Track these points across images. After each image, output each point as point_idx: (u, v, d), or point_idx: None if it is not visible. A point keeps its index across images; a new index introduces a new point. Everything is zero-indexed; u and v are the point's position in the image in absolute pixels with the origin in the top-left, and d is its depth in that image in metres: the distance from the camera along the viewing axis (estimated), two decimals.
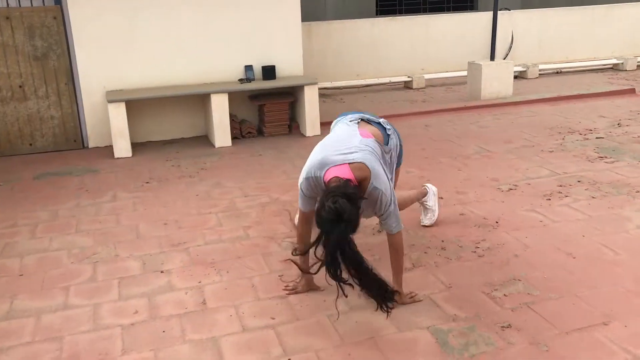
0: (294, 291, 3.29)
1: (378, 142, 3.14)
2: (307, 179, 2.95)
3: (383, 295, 2.76)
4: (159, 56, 6.42)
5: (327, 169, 2.84)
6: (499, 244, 3.80)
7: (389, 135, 3.33)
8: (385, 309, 2.81)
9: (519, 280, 3.33)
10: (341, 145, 2.95)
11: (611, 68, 10.52)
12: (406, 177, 5.10)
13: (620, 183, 4.76)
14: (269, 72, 6.67)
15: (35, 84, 6.15)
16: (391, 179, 3.14)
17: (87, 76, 6.23)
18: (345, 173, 2.80)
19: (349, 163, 2.83)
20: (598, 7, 10.87)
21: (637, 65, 10.42)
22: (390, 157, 3.32)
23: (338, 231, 2.58)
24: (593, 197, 4.49)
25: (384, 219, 2.99)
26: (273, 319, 3.04)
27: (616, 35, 10.87)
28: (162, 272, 3.59)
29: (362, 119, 3.33)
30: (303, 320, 3.02)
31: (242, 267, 3.62)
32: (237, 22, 6.62)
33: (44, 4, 6.14)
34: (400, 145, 3.49)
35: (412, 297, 3.18)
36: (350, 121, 3.29)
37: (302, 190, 3.02)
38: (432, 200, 4.08)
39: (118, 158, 6.03)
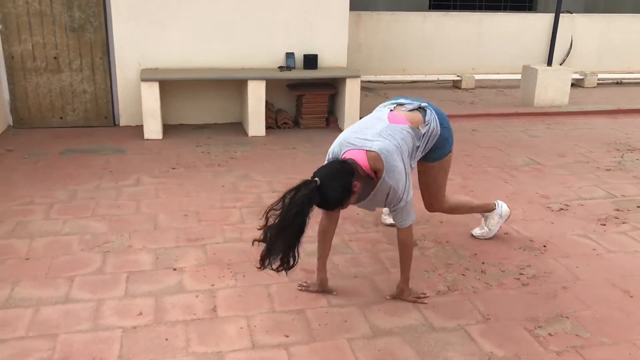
0: (307, 289, 3.14)
1: (412, 129, 2.97)
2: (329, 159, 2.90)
3: (280, 261, 2.66)
4: (198, 36, 6.16)
5: (346, 150, 2.81)
6: (546, 272, 3.41)
7: (426, 119, 3.10)
8: (269, 267, 2.69)
9: (566, 317, 2.95)
10: (366, 130, 2.90)
11: None
12: (448, 185, 4.71)
13: None
14: (310, 61, 6.35)
15: (70, 56, 5.97)
16: (413, 167, 3.11)
17: (122, 52, 6.01)
18: (362, 158, 2.76)
19: (367, 150, 2.77)
20: None
21: None
22: (426, 142, 3.10)
23: (307, 190, 2.57)
24: None
25: (393, 213, 2.93)
26: (287, 336, 2.74)
27: None
28: (174, 269, 3.33)
29: (399, 104, 3.14)
30: (320, 342, 2.71)
31: (260, 272, 3.32)
32: (281, 7, 6.30)
33: None
34: (446, 130, 3.20)
35: (417, 296, 3.04)
36: (386, 105, 3.16)
37: None
38: (495, 220, 3.77)
39: (148, 139, 5.81)
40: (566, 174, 5.10)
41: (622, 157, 5.64)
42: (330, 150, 2.92)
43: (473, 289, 3.20)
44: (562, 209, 4.33)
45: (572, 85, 8.97)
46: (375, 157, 2.76)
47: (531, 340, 2.76)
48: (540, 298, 3.13)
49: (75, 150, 5.43)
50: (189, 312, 2.92)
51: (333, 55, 6.56)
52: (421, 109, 3.11)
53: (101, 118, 6.21)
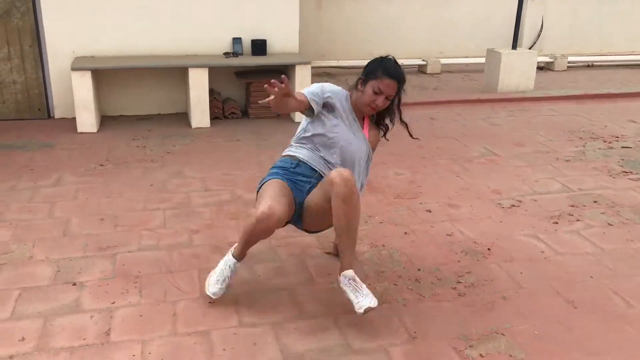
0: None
1: None
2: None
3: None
4: (139, 22, 5.75)
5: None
6: (487, 279, 3.12)
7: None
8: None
9: (502, 334, 2.66)
10: None
11: None
12: (395, 180, 4.41)
13: None
14: (259, 46, 5.98)
15: None
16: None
17: (54, 39, 5.59)
18: None
19: None
20: None
21: None
22: None
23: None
24: (609, 224, 3.77)
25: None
26: None
27: None
28: (74, 284, 2.99)
29: None
30: None
31: (170, 286, 2.99)
32: None
33: None
34: None
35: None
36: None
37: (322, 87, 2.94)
38: None
39: (81, 133, 5.42)
40: (522, 166, 4.81)
41: (584, 146, 5.36)
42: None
43: (403, 302, 2.90)
44: (513, 206, 4.04)
45: (542, 68, 8.71)
46: None
47: None
48: (476, 310, 2.84)
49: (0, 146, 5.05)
50: (77, 337, 2.58)
51: (284, 41, 6.18)
52: None
53: (34, 110, 5.80)
